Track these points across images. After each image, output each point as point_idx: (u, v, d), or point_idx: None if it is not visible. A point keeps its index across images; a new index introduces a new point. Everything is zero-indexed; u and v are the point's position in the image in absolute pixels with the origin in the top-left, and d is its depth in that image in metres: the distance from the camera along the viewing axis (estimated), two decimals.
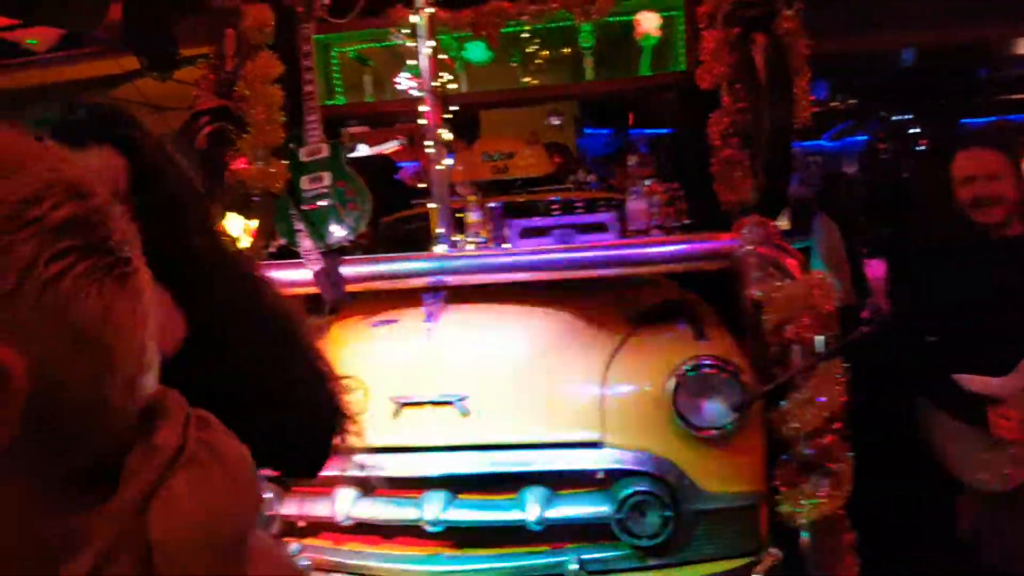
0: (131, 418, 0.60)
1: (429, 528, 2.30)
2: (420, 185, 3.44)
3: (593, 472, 2.33)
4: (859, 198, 6.37)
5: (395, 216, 3.39)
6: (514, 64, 3.49)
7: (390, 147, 4.70)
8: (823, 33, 2.59)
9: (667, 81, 3.26)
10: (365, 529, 2.38)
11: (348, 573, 2.35)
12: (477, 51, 3.25)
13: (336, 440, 1.31)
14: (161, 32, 3.19)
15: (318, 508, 2.37)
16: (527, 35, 3.31)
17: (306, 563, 2.30)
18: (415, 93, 2.79)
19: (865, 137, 8.57)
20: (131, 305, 0.58)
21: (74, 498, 0.56)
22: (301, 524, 2.45)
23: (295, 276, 2.56)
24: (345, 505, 2.33)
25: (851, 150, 8.59)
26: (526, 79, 3.52)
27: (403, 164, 4.48)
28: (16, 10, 3.76)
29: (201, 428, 0.64)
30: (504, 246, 2.76)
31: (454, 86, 2.78)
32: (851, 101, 8.07)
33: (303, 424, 1.27)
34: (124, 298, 0.57)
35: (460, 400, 2.30)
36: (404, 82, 3.61)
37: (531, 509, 2.26)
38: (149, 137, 1.15)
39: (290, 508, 2.39)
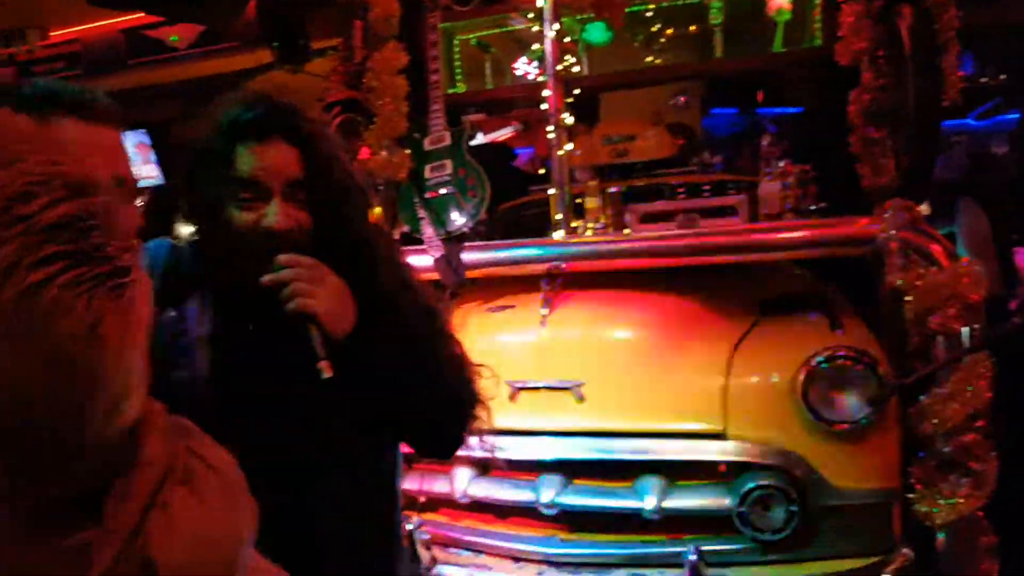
0: (115, 440, 0.53)
1: (544, 510, 2.31)
2: (540, 171, 3.44)
3: (714, 463, 2.29)
4: (1008, 181, 5.91)
5: (512, 203, 3.40)
6: (636, 44, 3.43)
7: (505, 133, 4.72)
8: (972, 4, 2.41)
9: (802, 58, 3.13)
10: (481, 508, 2.43)
11: (464, 549, 2.41)
12: (597, 32, 3.22)
13: (471, 423, 1.35)
14: (293, 26, 3.32)
15: (437, 485, 2.43)
16: (651, 14, 3.24)
17: (425, 536, 2.37)
18: (537, 78, 2.79)
19: (1015, 115, 7.92)
20: (123, 320, 0.51)
21: (65, 523, 0.51)
22: (421, 499, 2.52)
23: (416, 262, 2.61)
24: (463, 484, 2.38)
25: (1000, 129, 7.97)
26: (649, 59, 3.46)
27: (519, 151, 4.49)
28: (160, 9, 4.00)
29: (184, 437, 0.60)
30: (624, 232, 2.71)
31: (576, 69, 2.75)
32: (1001, 77, 7.49)
33: (446, 407, 1.31)
34: (115, 312, 0.50)
35: (576, 386, 2.30)
36: (524, 67, 3.63)
37: (648, 498, 2.23)
38: (320, 130, 1.21)
39: (412, 484, 2.45)
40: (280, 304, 1.15)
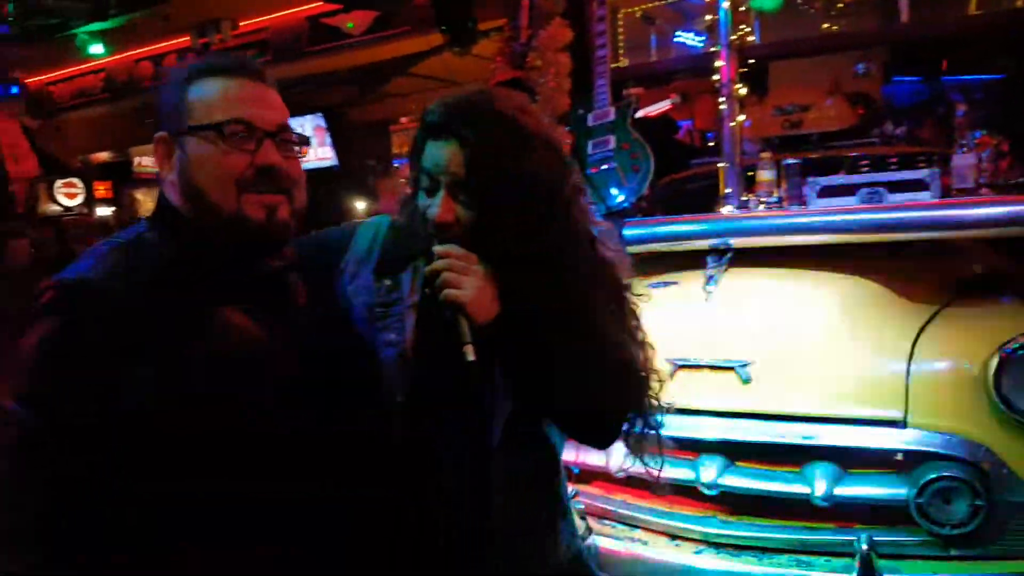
0: None
1: (704, 490, 2.29)
2: (698, 145, 3.35)
3: (890, 452, 2.17)
4: None
5: (674, 176, 3.34)
6: (812, 11, 3.26)
7: (663, 106, 4.65)
8: None
9: (1001, 21, 2.86)
10: (636, 483, 2.41)
11: (618, 522, 2.41)
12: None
13: (644, 402, 1.37)
14: (462, 8, 3.41)
15: (592, 458, 2.45)
16: None
17: (580, 506, 2.40)
18: (708, 49, 2.70)
19: None
20: None
21: None
22: (576, 470, 2.55)
23: None
24: (619, 458, 2.38)
25: None
26: (826, 25, 3.28)
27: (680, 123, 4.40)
28: None
29: None
30: (798, 206, 2.58)
31: (752, 38, 2.65)
32: None
33: (610, 405, 1.34)
34: None
35: (743, 366, 2.24)
36: (688, 38, 3.54)
37: (818, 484, 2.16)
38: (493, 136, 1.26)
39: (567, 455, 2.49)
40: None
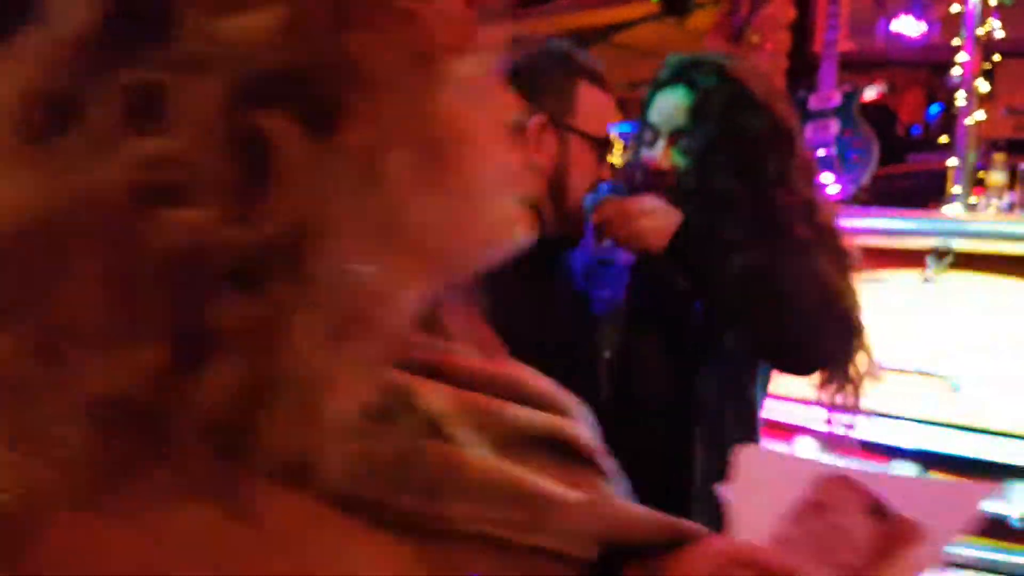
0: None
1: None
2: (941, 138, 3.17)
3: None
4: None
5: (891, 169, 3.20)
6: None
7: (871, 93, 4.45)
8: None
9: None
10: None
11: None
12: None
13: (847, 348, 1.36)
14: None
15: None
16: None
17: None
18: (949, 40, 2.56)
19: None
20: None
21: None
22: None
23: None
24: (805, 455, 2.36)
25: None
26: None
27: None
28: None
29: None
30: None
31: (999, 34, 2.49)
32: None
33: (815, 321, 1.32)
34: None
35: (955, 376, 2.16)
36: (910, 27, 3.38)
37: (1019, 505, 2.07)
38: (722, 87, 1.30)
39: None
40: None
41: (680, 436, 1.36)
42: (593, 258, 1.41)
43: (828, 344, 1.36)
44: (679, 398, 1.36)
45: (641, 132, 1.38)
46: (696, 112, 1.30)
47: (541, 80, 1.28)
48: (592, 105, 1.31)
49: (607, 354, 1.38)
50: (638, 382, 1.38)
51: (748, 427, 1.45)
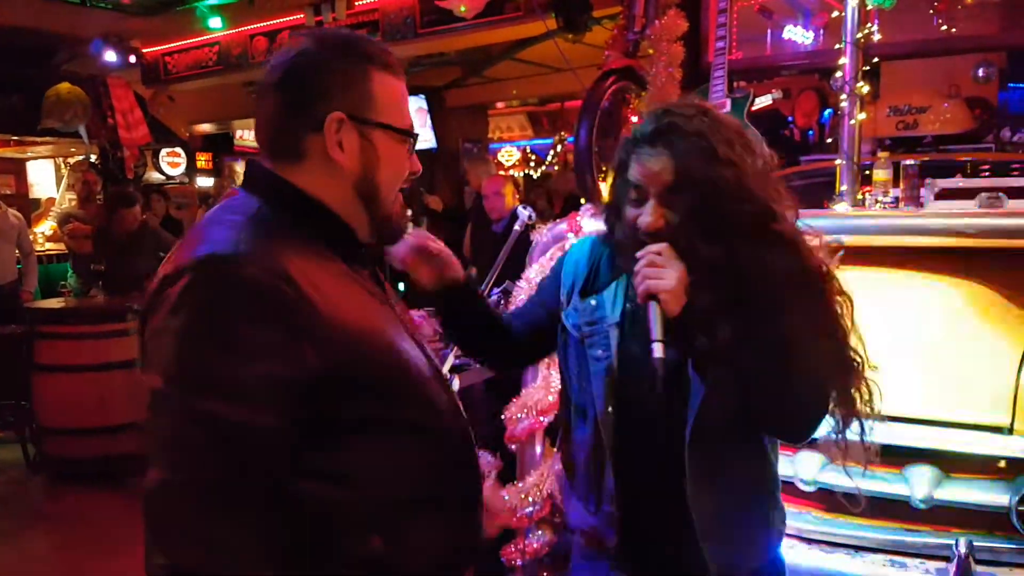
0: None
1: (801, 486, 2.31)
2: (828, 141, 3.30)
3: (993, 458, 2.16)
4: None
5: (783, 172, 3.32)
6: (931, 11, 3.19)
7: (765, 101, 4.62)
8: None
9: None
10: None
11: None
12: None
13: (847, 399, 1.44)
14: None
15: None
16: None
17: None
18: (830, 46, 2.67)
19: None
20: None
21: None
22: None
23: None
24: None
25: None
26: (944, 26, 3.21)
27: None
28: None
29: None
30: (913, 207, 2.56)
31: (876, 37, 2.63)
32: None
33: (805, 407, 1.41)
34: None
35: None
36: (798, 35, 3.52)
37: (918, 487, 2.16)
38: (698, 143, 1.34)
39: None
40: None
41: (670, 469, 1.41)
42: (583, 319, 1.46)
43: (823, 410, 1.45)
44: (669, 436, 1.41)
45: (623, 191, 1.40)
46: (681, 170, 1.34)
47: (327, 75, 1.12)
48: (389, 94, 1.17)
49: (609, 408, 1.42)
50: (633, 428, 1.43)
51: (751, 458, 1.51)
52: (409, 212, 1.35)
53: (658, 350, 1.28)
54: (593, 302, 1.47)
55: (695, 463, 1.41)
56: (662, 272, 1.32)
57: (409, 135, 1.20)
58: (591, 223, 2.84)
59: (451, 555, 1.16)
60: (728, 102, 2.86)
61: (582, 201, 3.12)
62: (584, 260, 1.54)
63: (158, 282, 1.03)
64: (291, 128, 1.13)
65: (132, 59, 8.02)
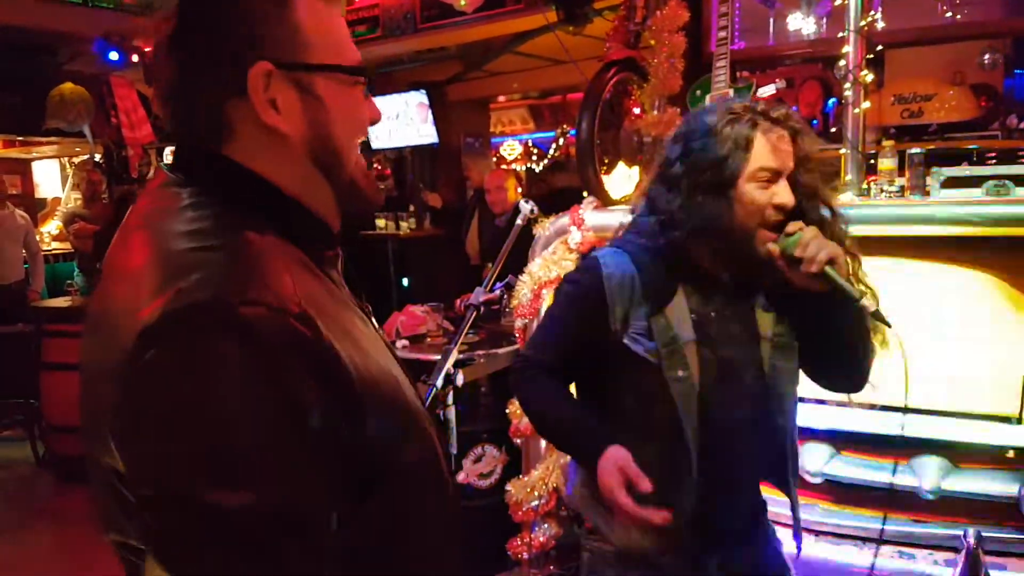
0: None
1: (808, 478, 2.30)
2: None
3: (1001, 448, 2.15)
4: None
5: None
6: None
7: (769, 91, 4.59)
8: None
9: None
10: None
11: None
12: None
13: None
14: None
15: None
16: None
17: None
18: (835, 35, 2.65)
19: None
20: None
21: None
22: None
23: None
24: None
25: None
26: (948, 13, 3.18)
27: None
28: None
29: None
30: (920, 196, 2.54)
31: (881, 24, 2.59)
32: None
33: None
34: None
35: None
36: (806, 24, 3.49)
37: (926, 478, 2.15)
38: (804, 127, 1.45)
39: None
40: (779, 270, 1.40)
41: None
42: (660, 341, 1.45)
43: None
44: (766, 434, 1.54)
45: (754, 171, 1.40)
46: (801, 150, 1.43)
47: (234, 13, 0.84)
48: (323, 25, 0.88)
49: (695, 424, 1.45)
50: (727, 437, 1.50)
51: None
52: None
53: (870, 304, 1.34)
54: (662, 321, 1.44)
55: (795, 457, 1.55)
56: (825, 240, 1.36)
57: (360, 72, 0.91)
58: (594, 216, 2.83)
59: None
60: (731, 92, 2.84)
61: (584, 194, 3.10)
62: (629, 280, 1.46)
63: (137, 337, 0.71)
64: (202, 96, 0.85)
65: (135, 58, 8.01)
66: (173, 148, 0.92)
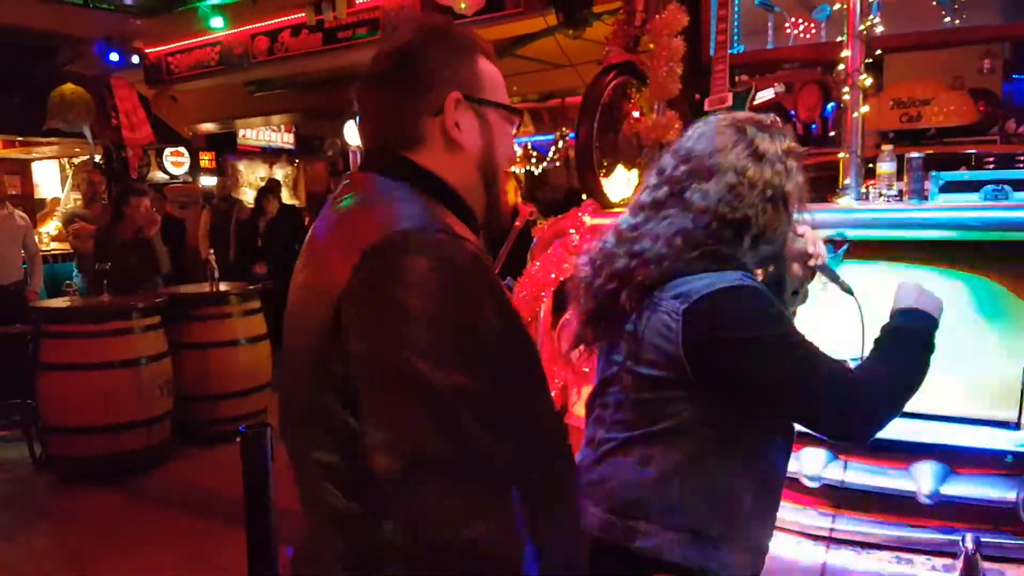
0: None
1: (806, 483, 2.29)
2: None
3: (1000, 453, 2.14)
4: None
5: None
6: (933, 3, 3.17)
7: (768, 95, 4.60)
8: None
9: None
10: None
11: None
12: None
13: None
14: None
15: None
16: None
17: None
18: (834, 38, 2.65)
19: None
20: None
21: None
22: None
23: None
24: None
25: None
26: (947, 18, 3.19)
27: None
28: None
29: None
30: (918, 200, 2.54)
31: (879, 29, 2.60)
32: None
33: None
34: None
35: (854, 360, 2.23)
36: (803, 27, 3.49)
37: (924, 483, 2.14)
38: None
39: None
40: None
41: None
42: None
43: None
44: None
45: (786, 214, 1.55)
46: None
47: (438, 60, 1.15)
48: (493, 76, 1.21)
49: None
50: None
51: None
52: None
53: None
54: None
55: None
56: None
57: (517, 113, 1.23)
58: (593, 219, 2.83)
59: None
60: (730, 96, 2.84)
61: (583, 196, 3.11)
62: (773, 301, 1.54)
63: (361, 255, 1.00)
64: (408, 114, 1.15)
65: (135, 59, 8.04)
66: (366, 151, 1.22)
